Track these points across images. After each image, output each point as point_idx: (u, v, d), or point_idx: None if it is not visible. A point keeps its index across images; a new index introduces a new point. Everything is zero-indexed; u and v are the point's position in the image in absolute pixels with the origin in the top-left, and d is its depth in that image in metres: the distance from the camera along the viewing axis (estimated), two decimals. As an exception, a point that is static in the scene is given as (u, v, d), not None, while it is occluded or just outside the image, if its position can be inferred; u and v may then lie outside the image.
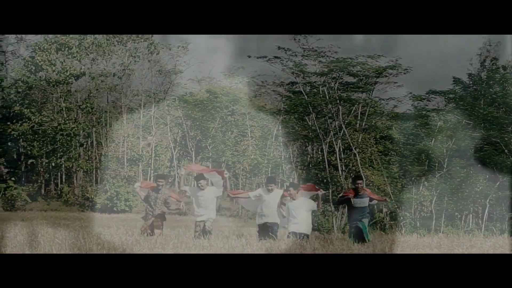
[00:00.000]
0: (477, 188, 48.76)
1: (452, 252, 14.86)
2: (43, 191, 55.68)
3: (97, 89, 56.99)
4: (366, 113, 54.28)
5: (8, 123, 53.33)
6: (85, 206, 51.30)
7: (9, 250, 12.83)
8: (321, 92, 53.27)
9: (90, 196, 51.53)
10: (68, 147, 54.14)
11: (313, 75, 53.78)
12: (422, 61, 73.16)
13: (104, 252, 12.71)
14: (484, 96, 52.62)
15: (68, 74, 54.90)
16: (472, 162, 48.65)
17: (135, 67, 57.00)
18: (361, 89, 54.22)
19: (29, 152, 53.81)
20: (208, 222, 16.84)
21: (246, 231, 20.49)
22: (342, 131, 52.83)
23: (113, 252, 12.81)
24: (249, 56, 53.79)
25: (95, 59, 56.93)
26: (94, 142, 57.37)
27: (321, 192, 17.19)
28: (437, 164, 49.51)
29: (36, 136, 53.32)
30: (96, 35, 55.55)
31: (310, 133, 56.09)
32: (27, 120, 53.02)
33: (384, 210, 49.84)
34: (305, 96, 53.86)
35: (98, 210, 49.57)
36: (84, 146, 56.86)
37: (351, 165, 52.84)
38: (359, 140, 53.42)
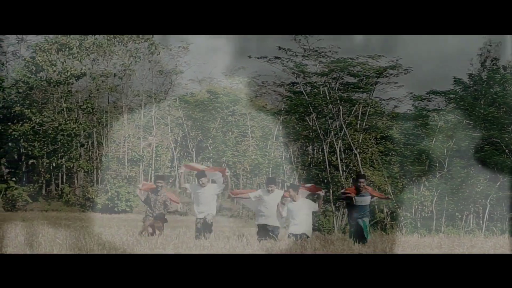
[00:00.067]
0: (477, 188, 48.74)
1: (452, 252, 14.86)
2: (44, 191, 55.69)
3: (97, 90, 56.99)
4: (367, 113, 54.28)
5: (9, 123, 53.38)
6: (86, 207, 51.30)
7: (10, 251, 12.84)
8: (321, 92, 53.29)
9: (91, 197, 51.53)
10: (69, 148, 54.15)
11: (314, 75, 53.82)
12: (423, 61, 73.19)
13: (105, 253, 12.72)
14: (485, 96, 52.60)
15: (68, 74, 54.89)
16: (473, 162, 48.64)
17: (135, 68, 57.00)
18: (361, 89, 54.23)
19: (30, 153, 53.84)
20: (209, 216, 16.85)
21: (247, 231, 20.49)
22: (342, 131, 52.85)
23: (114, 252, 12.82)
24: (250, 57, 53.87)
25: (95, 60, 56.92)
26: (95, 143, 57.36)
27: (322, 193, 17.18)
28: (437, 164, 49.51)
29: (37, 136, 53.34)
30: (97, 36, 55.54)
31: (311, 133, 56.10)
32: (28, 120, 53.06)
33: (385, 210, 49.85)
34: (306, 96, 53.87)
35: (99, 210, 49.58)
36: (85, 146, 56.86)
37: (351, 165, 52.84)
38: (360, 140, 53.43)
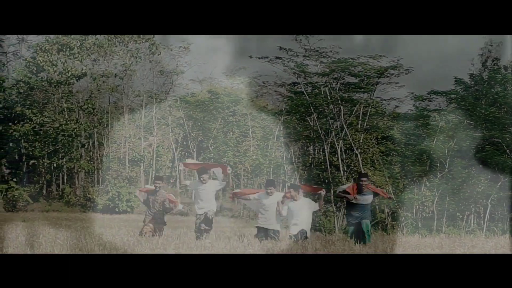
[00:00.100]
0: (478, 189, 48.71)
1: (453, 253, 14.86)
2: (44, 191, 55.70)
3: (98, 90, 56.98)
4: (368, 114, 54.28)
5: (10, 123, 53.41)
6: (86, 207, 51.30)
7: (11, 251, 12.84)
8: (322, 93, 53.28)
9: (91, 197, 51.53)
10: (70, 148, 54.16)
11: (315, 76, 53.82)
12: (423, 62, 73.18)
13: (106, 253, 12.72)
14: (486, 97, 52.58)
15: (69, 74, 54.90)
16: (474, 163, 48.60)
17: (136, 68, 56.99)
18: (362, 90, 54.22)
19: (31, 153, 53.86)
20: (210, 212, 16.85)
21: (247, 231, 20.49)
22: (343, 132, 52.84)
23: (115, 253, 12.82)
24: (251, 57, 53.87)
25: (96, 60, 56.92)
26: (96, 143, 57.37)
27: (323, 192, 17.16)
28: (438, 165, 49.46)
29: (38, 136, 53.36)
30: (98, 36, 55.54)
31: (312, 134, 56.09)
32: (28, 120, 53.08)
33: (386, 210, 49.83)
34: (307, 97, 53.87)
35: (99, 210, 49.59)
36: (86, 146, 56.86)
37: (352, 165, 52.84)
38: (361, 141, 53.42)
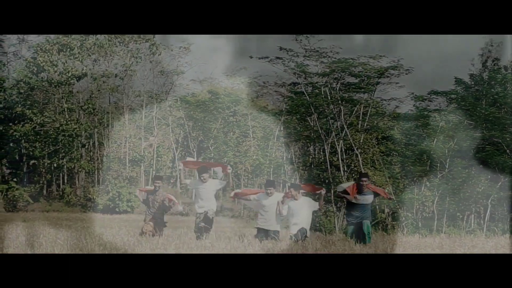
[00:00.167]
0: (478, 189, 48.72)
1: (454, 253, 14.86)
2: (45, 192, 55.69)
3: (99, 90, 56.98)
4: (368, 114, 54.30)
5: (10, 124, 53.40)
6: (87, 207, 51.31)
7: (11, 251, 12.84)
8: (323, 93, 53.30)
9: (92, 197, 51.53)
10: (70, 148, 54.15)
11: (315, 76, 53.85)
12: (423, 62, 73.13)
13: (106, 253, 12.73)
14: (486, 97, 52.59)
15: (70, 75, 54.89)
16: (474, 163, 48.62)
17: (137, 68, 56.98)
18: (363, 90, 54.24)
19: (31, 153, 53.85)
20: (210, 211, 16.85)
21: (248, 231, 20.48)
22: (344, 132, 52.86)
23: (115, 253, 12.82)
24: (251, 57, 53.89)
25: (97, 60, 56.91)
26: (96, 143, 57.35)
27: (323, 191, 17.16)
28: (438, 165, 49.47)
29: (38, 137, 53.36)
30: (98, 36, 55.53)
31: (312, 134, 56.10)
32: (29, 121, 53.08)
33: (386, 210, 49.85)
34: (307, 97, 53.89)
35: (100, 210, 49.58)
36: (86, 147, 56.85)
37: (353, 165, 52.85)
38: (361, 141, 53.43)
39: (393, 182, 51.31)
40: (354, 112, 54.43)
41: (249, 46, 61.59)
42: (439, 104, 53.83)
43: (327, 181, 52.20)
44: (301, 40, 51.86)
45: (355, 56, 53.03)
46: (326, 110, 53.55)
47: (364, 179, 17.39)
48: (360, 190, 17.27)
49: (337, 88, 53.81)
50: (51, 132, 53.24)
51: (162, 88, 59.24)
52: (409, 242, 17.02)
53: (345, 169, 52.58)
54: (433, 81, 74.11)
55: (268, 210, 16.63)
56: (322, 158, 55.33)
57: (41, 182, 55.32)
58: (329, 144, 53.52)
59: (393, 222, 48.91)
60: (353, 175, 50.77)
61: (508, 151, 48.68)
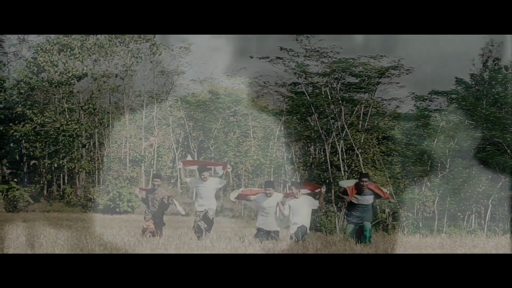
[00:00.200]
0: (479, 189, 48.73)
1: (454, 253, 14.85)
2: (45, 192, 55.68)
3: (99, 90, 56.98)
4: (369, 114, 54.30)
5: (11, 124, 53.39)
6: (87, 207, 51.29)
7: (11, 251, 12.84)
8: (323, 93, 53.29)
9: (92, 197, 51.52)
10: (71, 148, 54.14)
11: (315, 76, 53.84)
12: (424, 62, 73.12)
13: (107, 253, 12.72)
14: (486, 97, 52.60)
15: (70, 75, 54.89)
16: (475, 163, 48.63)
17: (137, 68, 56.96)
18: (363, 90, 54.23)
19: (32, 153, 53.84)
20: (210, 211, 16.85)
21: (248, 232, 20.48)
22: (344, 132, 52.85)
23: (116, 253, 12.82)
24: (251, 57, 53.88)
25: (97, 60, 56.89)
26: (97, 143, 57.34)
27: (323, 189, 17.15)
28: (439, 165, 49.47)
29: (39, 137, 53.35)
30: (98, 36, 55.52)
31: (313, 134, 56.08)
32: (29, 121, 53.07)
33: (387, 210, 49.83)
34: (308, 97, 53.88)
35: (100, 211, 49.56)
36: (87, 147, 56.84)
37: (353, 165, 52.84)
38: (362, 141, 53.42)
39: (394, 182, 51.30)
40: (354, 112, 54.42)
41: (249, 46, 61.58)
42: (439, 104, 53.88)
43: (327, 181, 52.17)
44: (301, 40, 51.87)
45: (356, 56, 53.08)
46: (326, 110, 53.54)
47: (365, 179, 17.34)
48: (360, 191, 17.25)
49: (338, 88, 53.81)
50: (52, 132, 53.23)
51: (163, 88, 59.26)
52: (409, 242, 17.02)
53: (346, 169, 52.57)
54: (433, 81, 74.00)
55: (268, 211, 16.65)
56: (323, 158, 55.33)
57: (41, 182, 55.30)
58: (330, 144, 53.52)
59: (394, 222, 48.90)
60: (354, 175, 50.74)
61: (508, 151, 48.68)
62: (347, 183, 18.00)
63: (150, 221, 17.36)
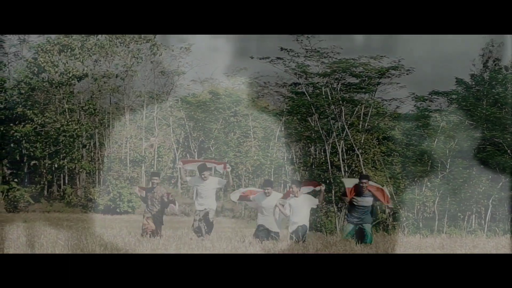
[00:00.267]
0: (479, 189, 48.72)
1: (455, 253, 14.85)
2: (45, 192, 55.63)
3: (99, 91, 56.93)
4: (369, 114, 54.29)
5: (11, 124, 53.34)
6: (87, 207, 51.25)
7: (12, 251, 12.84)
8: (323, 93, 53.29)
9: (92, 197, 51.48)
10: (71, 149, 54.10)
11: (316, 76, 53.84)
12: (424, 62, 73.03)
13: (107, 253, 12.72)
14: (487, 97, 52.59)
15: (70, 75, 54.84)
16: (475, 163, 48.63)
17: (137, 68, 56.90)
18: (363, 90, 54.24)
19: (32, 154, 53.80)
20: (211, 212, 16.84)
21: (248, 232, 20.49)
22: (344, 132, 52.84)
23: (116, 253, 12.82)
24: (252, 57, 53.87)
25: (97, 61, 56.83)
26: (97, 143, 57.31)
27: (323, 187, 17.13)
28: (439, 165, 49.47)
29: (39, 137, 53.32)
30: (99, 37, 55.49)
31: (313, 134, 56.07)
32: (29, 121, 53.04)
33: (387, 210, 49.79)
34: (308, 97, 53.88)
35: (100, 211, 49.52)
36: (87, 147, 56.78)
37: (353, 166, 52.83)
38: (362, 141, 53.41)
39: (394, 182, 51.30)
40: (355, 112, 54.42)
41: (249, 46, 61.50)
42: (440, 104, 53.90)
43: (328, 181, 52.17)
44: (301, 40, 51.86)
45: (356, 56, 53.07)
46: (327, 110, 53.53)
47: (364, 180, 17.29)
48: (360, 192, 17.20)
49: (338, 89, 53.80)
50: (52, 133, 53.20)
51: (163, 88, 59.23)
52: (410, 243, 17.02)
53: (346, 169, 52.56)
54: (433, 82, 73.90)
55: (267, 210, 16.66)
56: (323, 159, 55.31)
57: (42, 182, 55.26)
58: (330, 145, 53.50)
59: (394, 223, 48.89)
60: (354, 175, 50.72)
61: (509, 151, 48.68)
62: (349, 182, 17.94)
63: (149, 220, 17.33)
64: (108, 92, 57.74)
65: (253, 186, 54.10)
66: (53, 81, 54.71)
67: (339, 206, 49.53)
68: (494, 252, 15.18)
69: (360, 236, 16.85)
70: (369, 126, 54.57)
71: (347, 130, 52.59)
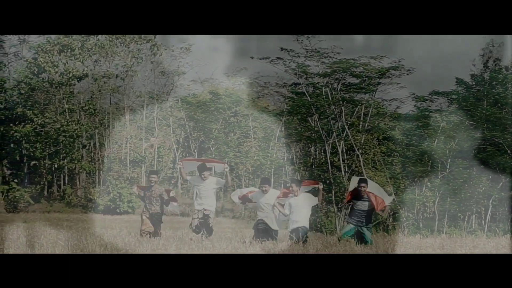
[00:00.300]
0: (479, 189, 48.73)
1: (455, 253, 14.84)
2: (45, 192, 55.66)
3: (99, 91, 56.95)
4: (369, 114, 54.29)
5: (11, 124, 53.36)
6: (87, 208, 51.25)
7: (12, 252, 12.83)
8: (324, 93, 53.30)
9: (92, 198, 51.49)
10: (71, 149, 54.12)
11: (316, 76, 53.85)
12: (424, 62, 73.06)
13: (107, 253, 12.71)
14: (487, 97, 52.61)
15: (70, 75, 54.86)
16: (475, 163, 48.64)
17: (137, 69, 56.92)
18: (364, 90, 54.26)
19: (32, 154, 53.82)
20: (211, 214, 16.83)
21: (248, 232, 20.48)
22: (345, 132, 52.84)
23: (116, 253, 12.81)
24: (252, 57, 53.88)
25: (97, 61, 56.85)
26: (97, 144, 57.33)
27: (320, 186, 17.10)
28: (439, 165, 49.47)
29: (39, 137, 53.34)
30: (99, 37, 55.50)
31: (313, 134, 56.07)
32: (29, 121, 53.06)
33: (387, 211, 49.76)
34: (308, 97, 53.88)
35: (100, 211, 49.53)
36: (87, 147, 56.80)
37: (354, 166, 52.83)
38: (362, 141, 53.42)
39: (394, 182, 51.30)
40: (355, 112, 54.43)
41: (249, 46, 61.52)
42: (440, 104, 53.93)
43: (328, 181, 52.18)
44: (302, 40, 51.88)
45: (356, 56, 53.10)
46: (327, 110, 53.53)
47: (363, 184, 17.20)
48: (358, 196, 17.14)
49: (338, 89, 53.81)
50: (52, 133, 53.22)
51: (163, 88, 59.25)
52: (410, 243, 17.00)
53: (346, 169, 52.56)
54: (434, 82, 74.01)
55: (265, 208, 16.67)
56: (323, 159, 55.31)
57: (41, 183, 55.28)
58: (330, 145, 53.50)
59: (394, 223, 48.88)
60: (354, 175, 50.78)
61: (509, 151, 48.68)
62: (355, 182, 17.81)
63: (147, 221, 17.25)
64: (108, 92, 57.75)
65: (253, 186, 54.13)
66: (53, 81, 54.72)
67: (339, 206, 49.54)
68: (494, 252, 15.17)
69: (360, 239, 16.80)
70: (369, 126, 54.58)
71: (347, 130, 52.59)
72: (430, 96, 52.95)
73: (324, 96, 53.09)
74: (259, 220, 16.75)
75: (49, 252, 12.69)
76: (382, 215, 16.47)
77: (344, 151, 53.11)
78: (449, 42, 66.42)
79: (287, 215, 16.65)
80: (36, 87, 55.19)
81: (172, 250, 13.37)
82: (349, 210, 17.79)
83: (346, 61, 52.58)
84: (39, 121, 53.03)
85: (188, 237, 16.54)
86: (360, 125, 54.21)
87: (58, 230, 16.47)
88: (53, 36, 54.69)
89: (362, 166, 51.50)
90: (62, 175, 56.53)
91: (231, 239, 15.95)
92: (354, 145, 52.55)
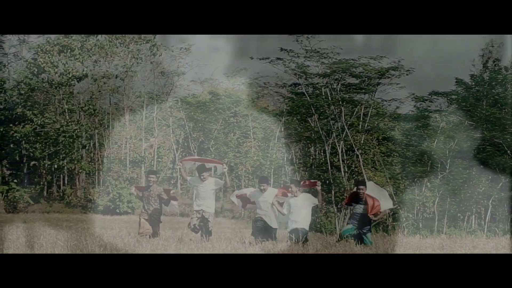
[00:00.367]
0: (479, 189, 48.75)
1: (454, 253, 14.83)
2: (45, 193, 55.65)
3: (99, 91, 56.96)
4: (369, 114, 54.31)
5: (11, 125, 53.36)
6: (87, 208, 51.23)
7: (11, 252, 12.82)
8: (323, 93, 53.31)
9: (92, 198, 51.46)
10: (71, 149, 54.12)
11: (316, 76, 53.87)
12: (424, 62, 73.13)
13: (107, 253, 12.71)
14: (487, 97, 52.63)
15: (70, 76, 54.85)
16: (475, 163, 48.66)
17: (137, 69, 56.92)
18: (363, 90, 54.28)
19: (32, 154, 53.82)
20: (210, 219, 16.81)
21: (248, 232, 20.48)
22: (344, 132, 52.85)
23: (116, 253, 12.80)
24: (252, 58, 53.90)
25: (97, 61, 56.85)
26: (97, 144, 57.33)
27: (318, 186, 17.07)
28: (439, 165, 49.49)
29: (39, 138, 53.34)
30: (99, 37, 55.51)
31: (313, 135, 56.09)
32: (29, 122, 53.05)
33: (387, 211, 49.76)
34: (308, 98, 53.90)
35: (100, 212, 49.49)
36: (87, 148, 56.80)
37: (353, 166, 52.84)
38: (362, 141, 53.43)
39: (394, 182, 51.33)
40: (354, 112, 54.45)
41: (249, 46, 61.57)
42: (439, 104, 53.99)
43: (327, 182, 52.19)
44: (301, 40, 51.91)
45: (356, 56, 53.15)
46: (326, 111, 53.55)
47: (362, 187, 17.08)
48: (357, 198, 17.05)
49: (338, 89, 53.83)
50: (52, 133, 53.22)
51: (163, 89, 59.26)
52: (409, 243, 16.99)
53: (346, 170, 52.57)
54: (433, 82, 74.20)
55: (264, 206, 16.67)
56: (323, 159, 55.32)
57: (41, 183, 55.27)
58: (330, 145, 53.52)
59: (394, 223, 48.89)
60: (354, 176, 50.82)
61: (508, 151, 48.70)
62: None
63: (145, 223, 17.21)
64: (108, 93, 57.75)
65: (253, 187, 54.07)
66: (53, 82, 54.71)
67: (338, 206, 49.54)
68: (494, 252, 15.17)
69: (359, 240, 16.76)
70: (369, 127, 54.60)
71: (347, 131, 52.60)
72: (430, 96, 53.00)
73: (323, 97, 53.10)
74: (257, 217, 16.74)
75: (48, 252, 12.69)
76: (375, 220, 16.16)
77: (343, 151, 53.12)
78: (449, 42, 66.50)
79: (285, 214, 16.64)
80: (36, 88, 55.18)
81: (171, 250, 13.37)
82: (351, 211, 17.77)
83: (345, 61, 52.61)
84: (39, 121, 53.02)
85: (187, 237, 16.54)
86: (360, 126, 54.23)
87: (57, 231, 16.46)
88: (52, 37, 54.71)
89: (362, 166, 51.51)
90: (61, 176, 56.54)
91: (231, 240, 15.94)
92: (353, 146, 52.56)
